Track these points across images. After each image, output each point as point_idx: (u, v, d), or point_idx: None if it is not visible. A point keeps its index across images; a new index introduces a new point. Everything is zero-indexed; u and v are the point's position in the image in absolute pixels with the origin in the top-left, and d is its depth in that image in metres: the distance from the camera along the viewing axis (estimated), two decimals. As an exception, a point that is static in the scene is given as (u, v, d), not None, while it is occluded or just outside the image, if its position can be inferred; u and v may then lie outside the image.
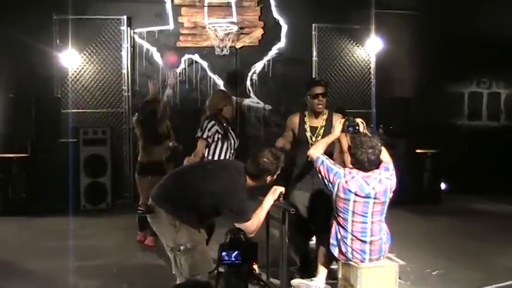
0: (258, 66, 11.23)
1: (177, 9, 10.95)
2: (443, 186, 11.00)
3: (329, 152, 5.43)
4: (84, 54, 10.64)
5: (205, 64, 11.07)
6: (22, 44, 10.02)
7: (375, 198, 4.83)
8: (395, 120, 10.71)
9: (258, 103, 11.28)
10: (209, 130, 6.25)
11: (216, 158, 6.25)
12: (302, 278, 5.65)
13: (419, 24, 11.37)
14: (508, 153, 11.69)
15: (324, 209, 5.40)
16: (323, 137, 5.66)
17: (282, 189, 4.90)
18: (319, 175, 5.02)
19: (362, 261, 4.94)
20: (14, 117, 10.42)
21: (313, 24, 11.18)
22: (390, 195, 4.92)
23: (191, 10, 10.97)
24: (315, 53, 11.25)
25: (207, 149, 6.29)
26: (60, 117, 10.16)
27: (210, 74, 11.09)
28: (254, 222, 4.56)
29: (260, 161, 4.66)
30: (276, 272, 5.50)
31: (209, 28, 10.87)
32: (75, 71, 10.63)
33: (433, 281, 6.13)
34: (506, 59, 11.59)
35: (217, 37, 10.83)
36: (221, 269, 4.12)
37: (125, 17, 10.69)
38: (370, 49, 11.34)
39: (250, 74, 11.22)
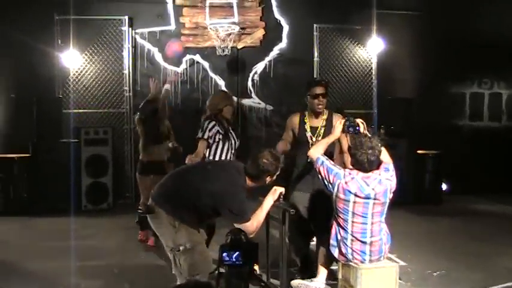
0: (259, 67, 11.24)
1: (178, 9, 10.95)
2: (444, 186, 10.99)
3: (329, 153, 5.43)
4: (86, 55, 10.65)
5: (206, 64, 11.08)
6: (23, 44, 10.03)
7: (374, 199, 4.83)
8: (397, 120, 10.70)
9: (259, 103, 11.28)
10: (210, 130, 6.24)
11: (217, 158, 6.24)
12: (302, 278, 5.65)
13: (420, 24, 11.36)
14: (509, 153, 11.69)
15: (324, 209, 5.40)
16: (323, 137, 5.66)
17: (282, 189, 4.90)
18: (319, 176, 5.02)
19: (362, 262, 4.93)
20: (15, 117, 10.44)
21: (315, 25, 11.19)
22: (390, 195, 4.92)
23: (192, 10, 10.97)
24: (316, 54, 11.26)
25: (207, 150, 6.28)
26: (61, 117, 10.17)
27: (211, 74, 11.09)
28: (254, 223, 4.57)
29: (260, 161, 4.66)
30: (276, 272, 5.51)
31: (210, 28, 10.87)
32: (76, 71, 10.65)
33: (434, 282, 6.13)
34: (508, 60, 11.57)
35: (218, 37, 10.84)
36: (222, 270, 4.12)
37: (126, 17, 10.71)
38: (371, 49, 11.34)
39: (251, 75, 11.22)
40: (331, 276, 5.57)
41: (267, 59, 11.24)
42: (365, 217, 4.87)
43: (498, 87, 12.22)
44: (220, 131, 6.28)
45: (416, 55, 11.43)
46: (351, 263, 4.97)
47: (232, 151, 6.39)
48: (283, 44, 11.27)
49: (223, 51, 10.87)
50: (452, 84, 11.94)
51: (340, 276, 5.14)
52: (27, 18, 10.23)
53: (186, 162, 6.19)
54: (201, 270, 4.55)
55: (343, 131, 5.21)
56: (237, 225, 4.51)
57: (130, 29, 10.78)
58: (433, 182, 10.80)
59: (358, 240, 4.91)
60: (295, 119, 6.02)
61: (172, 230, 4.56)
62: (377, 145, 4.88)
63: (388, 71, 11.35)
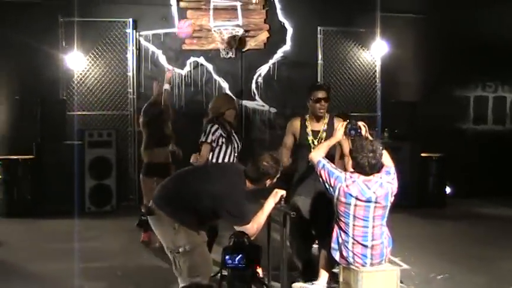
0: (263, 69, 11.24)
1: (182, 12, 10.96)
2: (448, 190, 10.98)
3: (330, 156, 5.42)
4: (90, 57, 10.66)
5: (210, 67, 11.09)
6: (28, 46, 10.06)
7: (376, 202, 4.82)
8: (401, 123, 10.70)
9: (263, 106, 11.29)
10: (213, 134, 6.23)
11: (220, 161, 6.25)
12: (304, 281, 5.65)
13: (424, 27, 11.37)
14: (513, 157, 11.69)
15: (325, 213, 5.38)
16: (325, 140, 5.66)
17: (283, 192, 4.89)
18: (320, 179, 5.01)
19: (363, 266, 4.93)
20: (19, 119, 10.45)
21: (319, 28, 11.19)
22: (391, 199, 4.91)
23: (197, 13, 10.98)
24: (320, 56, 11.26)
25: (211, 153, 6.28)
26: (65, 119, 10.19)
27: (215, 76, 11.10)
28: (254, 225, 4.57)
29: (260, 164, 4.65)
30: (277, 275, 5.50)
31: (214, 31, 10.89)
32: (80, 73, 10.66)
33: (438, 285, 6.11)
34: (512, 63, 11.58)
35: (222, 40, 10.86)
36: (225, 272, 4.13)
37: (130, 20, 10.71)
38: (375, 52, 11.34)
39: (255, 77, 11.23)
40: (333, 279, 5.56)
41: (271, 61, 11.24)
42: (366, 220, 4.87)
43: (502, 91, 12.20)
44: (223, 134, 6.27)
45: (420, 58, 11.43)
46: (352, 266, 4.96)
47: (235, 154, 6.38)
48: (287, 46, 11.27)
49: (227, 53, 10.89)
50: (457, 87, 11.93)
51: (341, 279, 5.13)
52: (32, 20, 10.25)
53: (191, 161, 6.22)
54: (201, 272, 4.55)
55: (345, 133, 5.21)
56: (237, 228, 4.52)
57: (134, 31, 10.79)
58: (436, 185, 10.79)
59: (360, 243, 4.90)
60: (296, 123, 6.01)
61: (172, 231, 4.56)
62: (378, 148, 4.87)
63: (392, 74, 11.34)
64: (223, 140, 6.27)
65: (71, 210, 9.23)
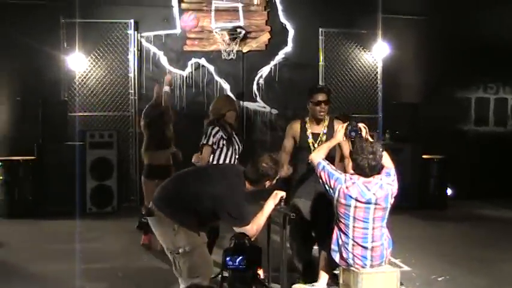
0: (264, 71, 11.25)
1: (184, 13, 10.96)
2: (449, 191, 10.97)
3: (330, 157, 5.42)
4: (91, 58, 10.67)
5: (211, 68, 11.09)
6: (29, 47, 10.07)
7: (375, 203, 4.82)
8: (402, 125, 10.70)
9: (265, 107, 11.29)
10: (214, 136, 6.23)
11: (220, 163, 6.25)
12: (304, 283, 5.65)
13: (426, 29, 11.37)
14: (514, 158, 11.68)
15: (325, 214, 5.36)
16: (325, 142, 5.65)
17: (283, 193, 4.89)
18: (320, 180, 5.01)
19: (363, 267, 4.92)
20: (21, 120, 10.47)
21: (320, 29, 11.18)
22: (391, 200, 4.91)
23: (198, 14, 10.97)
24: (321, 58, 11.26)
25: (211, 155, 6.28)
26: (66, 120, 10.20)
27: (216, 78, 11.11)
28: (254, 227, 4.57)
29: (259, 166, 4.65)
30: (277, 276, 5.51)
31: (216, 32, 10.90)
32: (82, 74, 10.67)
33: (439, 287, 6.11)
34: (514, 65, 11.58)
35: (224, 41, 10.87)
36: (225, 274, 4.13)
37: (132, 21, 10.72)
38: (376, 54, 11.33)
39: (256, 78, 11.23)
40: (333, 281, 5.56)
41: (272, 63, 11.25)
42: (366, 222, 4.86)
43: (504, 92, 12.19)
44: (224, 136, 6.27)
45: (421, 59, 11.43)
46: (352, 268, 4.96)
47: (236, 156, 6.38)
48: (288, 48, 11.28)
49: (229, 55, 10.91)
50: (458, 89, 11.92)
51: (341, 281, 5.13)
52: (34, 22, 10.27)
53: (193, 161, 6.24)
54: (201, 273, 4.56)
55: (345, 135, 5.20)
56: (236, 229, 4.51)
57: (136, 32, 10.80)
58: (438, 186, 10.78)
59: (359, 245, 4.90)
60: (296, 126, 6.01)
61: (171, 232, 4.56)
62: (378, 150, 4.86)
63: (393, 75, 11.35)
64: (224, 142, 6.26)
65: (72, 211, 9.22)
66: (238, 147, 6.41)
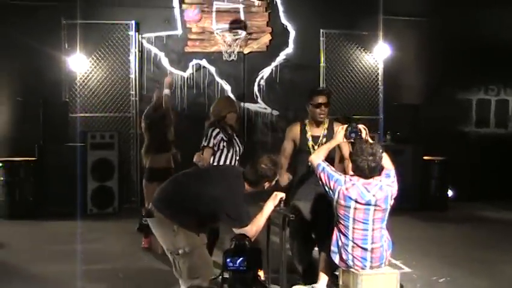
0: (265, 72, 11.25)
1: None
2: (450, 193, 10.97)
3: (330, 159, 5.42)
4: (92, 59, 10.68)
5: (213, 69, 11.10)
6: (30, 48, 10.07)
7: (375, 205, 4.82)
8: (403, 126, 10.70)
9: (266, 109, 11.29)
10: (214, 138, 6.23)
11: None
12: (305, 284, 5.64)
13: (427, 30, 11.37)
14: (515, 160, 11.67)
15: (325, 216, 5.36)
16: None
17: (282, 195, 4.88)
18: (320, 182, 5.01)
19: (363, 269, 4.92)
20: (21, 121, 10.46)
21: (321, 30, 11.19)
22: (391, 202, 4.90)
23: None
24: (322, 59, 11.26)
25: (212, 157, 6.28)
26: (68, 121, 10.21)
27: (217, 79, 11.11)
28: (253, 228, 4.56)
29: (258, 167, 4.64)
30: (276, 278, 5.51)
31: (217, 33, 10.90)
32: (83, 75, 10.67)
33: (439, 289, 6.12)
34: (515, 66, 11.57)
35: (225, 42, 10.88)
36: (226, 275, 4.12)
37: (133, 22, 10.73)
38: (378, 55, 11.34)
39: (257, 80, 11.23)
40: (333, 282, 5.55)
41: (274, 64, 11.25)
42: (366, 223, 4.86)
43: (505, 94, 12.19)
44: (224, 138, 6.27)
45: (422, 61, 11.43)
46: (351, 270, 4.96)
47: (237, 157, 6.37)
48: (289, 49, 11.28)
49: (230, 56, 10.91)
50: (459, 90, 11.92)
51: (340, 282, 5.14)
52: (35, 23, 10.27)
53: (195, 160, 6.24)
54: (201, 274, 4.56)
55: (345, 136, 5.19)
56: (235, 230, 4.51)
57: (137, 33, 10.80)
58: (439, 188, 10.78)
59: (359, 246, 4.89)
60: (296, 129, 6.00)
61: (171, 233, 4.56)
62: (378, 151, 4.86)
63: (394, 76, 11.35)
64: (224, 143, 6.26)
65: (73, 212, 9.24)
66: (239, 149, 6.41)
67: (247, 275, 4.06)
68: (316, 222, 5.70)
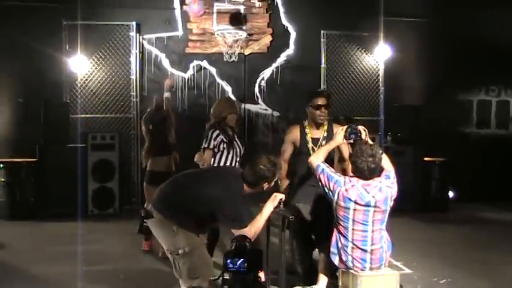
0: (266, 73, 11.25)
1: (186, 15, 10.97)
2: (451, 194, 10.96)
3: (330, 160, 5.41)
4: (93, 60, 10.68)
5: (213, 70, 11.10)
6: (31, 49, 10.08)
7: (375, 206, 4.81)
8: (404, 127, 10.70)
9: (266, 110, 11.29)
10: (214, 140, 6.24)
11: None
12: (304, 285, 5.64)
13: (427, 31, 11.37)
14: (516, 161, 11.67)
15: (324, 217, 5.35)
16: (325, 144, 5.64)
17: (282, 196, 4.88)
18: (320, 183, 5.00)
19: (362, 270, 4.91)
20: (22, 122, 10.47)
21: (322, 31, 11.19)
22: (391, 203, 4.89)
23: (200, 16, 10.99)
24: (323, 60, 11.26)
25: (212, 158, 6.29)
26: (68, 122, 10.21)
27: (218, 80, 11.11)
28: (252, 229, 4.55)
29: (257, 168, 4.63)
30: (276, 279, 5.51)
31: (218, 34, 10.91)
32: (84, 77, 10.68)
33: (440, 290, 6.13)
34: (516, 67, 11.57)
35: (226, 43, 10.89)
36: (226, 276, 4.12)
37: (134, 23, 10.74)
38: (378, 56, 11.34)
39: (258, 81, 11.23)
40: (332, 284, 5.55)
41: (274, 65, 11.25)
42: (365, 225, 4.86)
43: (506, 95, 12.18)
44: (225, 139, 6.28)
45: (423, 62, 11.43)
46: (351, 271, 4.95)
47: (237, 159, 6.38)
48: (290, 50, 11.28)
49: (231, 57, 10.92)
50: (460, 91, 11.91)
51: (340, 283, 5.13)
52: (36, 24, 10.28)
53: (195, 159, 6.25)
54: (201, 274, 4.58)
55: (345, 137, 5.19)
56: (234, 231, 4.51)
57: (138, 34, 10.80)
58: (439, 189, 10.77)
59: (359, 248, 4.89)
60: (296, 131, 5.99)
61: (171, 234, 4.58)
62: (378, 152, 4.85)
63: (395, 78, 11.35)
64: (225, 145, 6.28)
65: (74, 213, 9.25)
66: (240, 150, 6.41)
67: (248, 276, 4.05)
68: (316, 223, 5.70)
